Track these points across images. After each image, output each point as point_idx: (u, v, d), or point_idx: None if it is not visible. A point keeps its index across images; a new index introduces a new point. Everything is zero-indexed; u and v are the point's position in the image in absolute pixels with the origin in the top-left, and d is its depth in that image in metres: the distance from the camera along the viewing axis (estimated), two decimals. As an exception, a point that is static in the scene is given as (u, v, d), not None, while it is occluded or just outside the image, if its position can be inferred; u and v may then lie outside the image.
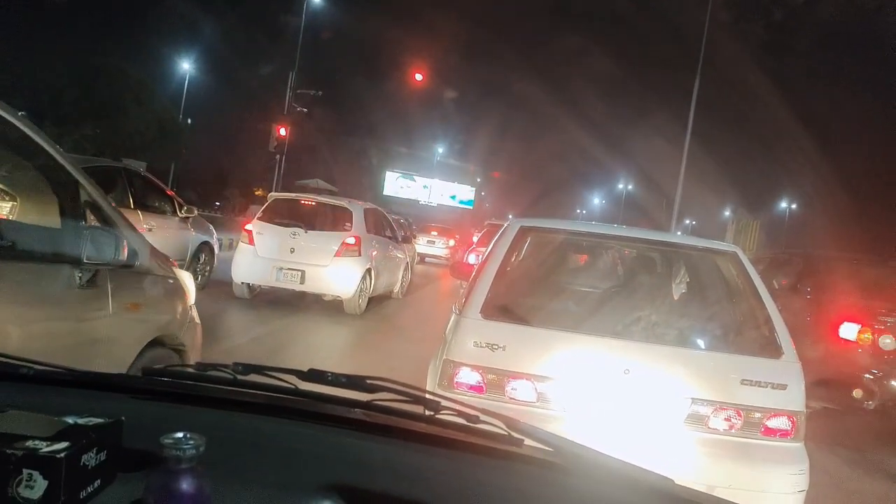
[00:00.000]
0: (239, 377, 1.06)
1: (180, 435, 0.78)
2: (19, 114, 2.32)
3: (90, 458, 0.83)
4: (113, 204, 2.79)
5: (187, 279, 3.34)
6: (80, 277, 2.45)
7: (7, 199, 2.83)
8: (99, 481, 0.85)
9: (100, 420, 0.88)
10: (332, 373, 1.01)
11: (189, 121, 28.49)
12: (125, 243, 2.53)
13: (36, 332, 2.30)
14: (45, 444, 0.79)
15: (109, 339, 2.65)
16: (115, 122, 22.03)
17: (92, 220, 2.61)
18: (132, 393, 1.07)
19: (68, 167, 2.54)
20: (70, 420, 0.87)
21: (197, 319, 3.37)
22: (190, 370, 1.08)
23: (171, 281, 3.14)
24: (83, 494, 0.81)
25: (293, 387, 1.07)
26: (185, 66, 31.20)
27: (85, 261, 2.37)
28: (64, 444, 0.80)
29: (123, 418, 0.90)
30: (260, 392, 1.07)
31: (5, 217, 2.72)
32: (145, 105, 23.24)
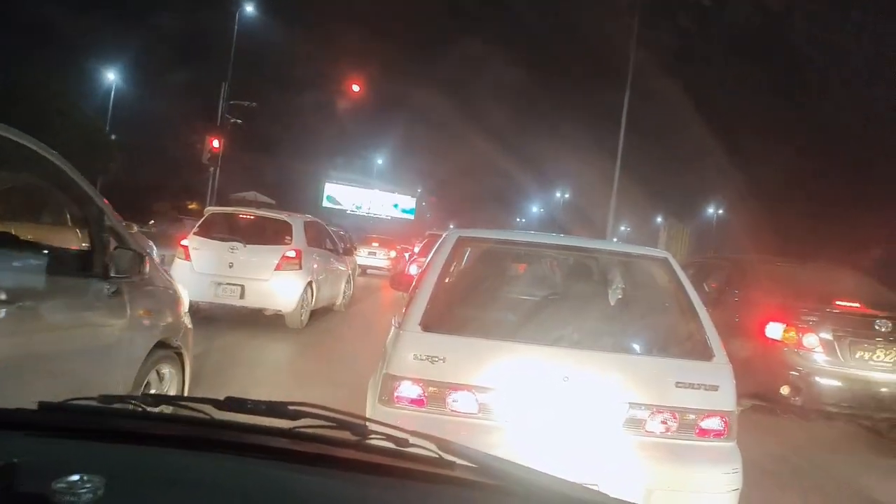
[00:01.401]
0: (148, 409, 0.99)
1: (75, 478, 0.71)
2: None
3: (-27, 508, 0.74)
4: (124, 226, 3.34)
5: (182, 291, 3.85)
6: (108, 289, 3.01)
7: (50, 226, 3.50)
8: (-15, 533, 0.76)
9: None
10: (252, 400, 0.95)
11: (113, 136, 27.36)
12: (143, 262, 3.17)
13: (76, 333, 2.85)
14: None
15: (129, 340, 3.15)
16: (37, 136, 20.85)
17: (112, 241, 3.11)
18: (27, 430, 0.97)
19: (95, 198, 3.11)
20: None
21: (189, 325, 3.86)
22: (93, 403, 1.00)
23: (170, 292, 3.69)
24: (-36, 550, 0.73)
25: (209, 417, 1.00)
26: (111, 76, 30.04)
27: (112, 276, 2.98)
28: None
29: (15, 460, 0.81)
30: (171, 423, 0.99)
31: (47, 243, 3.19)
32: (69, 117, 22.20)
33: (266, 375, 5.82)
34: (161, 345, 3.44)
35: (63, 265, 2.90)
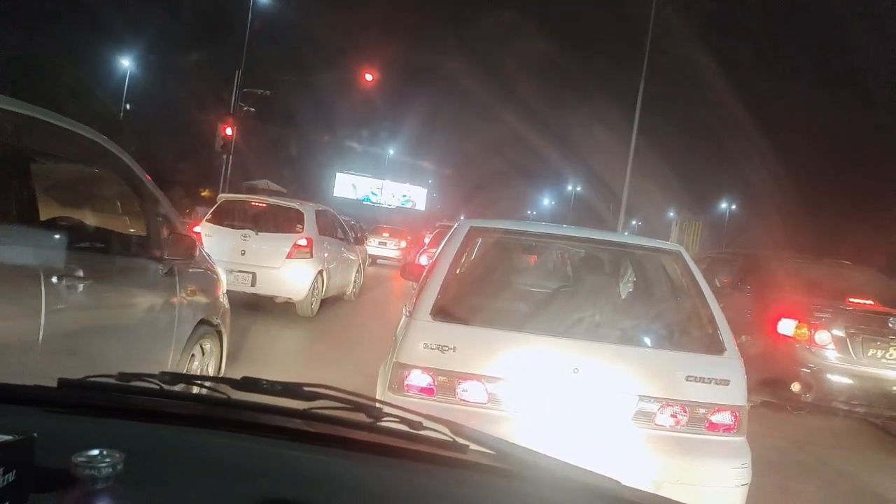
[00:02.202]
0: (165, 387, 1.00)
1: (95, 452, 0.72)
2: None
3: (-4, 479, 0.76)
4: (176, 214, 3.72)
5: (222, 273, 4.23)
6: (162, 270, 3.39)
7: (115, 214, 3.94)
8: (7, 503, 0.78)
9: (8, 437, 0.81)
10: (268, 380, 0.96)
11: (128, 109, 27.40)
12: (194, 246, 3.55)
13: (136, 308, 3.22)
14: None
15: (178, 316, 3.51)
16: (50, 121, 20.92)
17: (165, 227, 3.50)
18: (46, 406, 0.99)
19: (152, 189, 3.48)
20: None
21: (227, 306, 4.22)
22: (111, 381, 1.01)
23: (212, 274, 4.07)
24: (-13, 519, 0.74)
25: (225, 396, 1.01)
26: (126, 63, 30.15)
27: (166, 258, 3.37)
28: (-37, 466, 0.73)
29: (35, 434, 0.83)
30: (189, 402, 1.00)
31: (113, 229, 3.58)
32: (83, 102, 22.32)
33: (277, 363, 5.86)
34: (204, 322, 3.82)
35: (125, 248, 3.38)
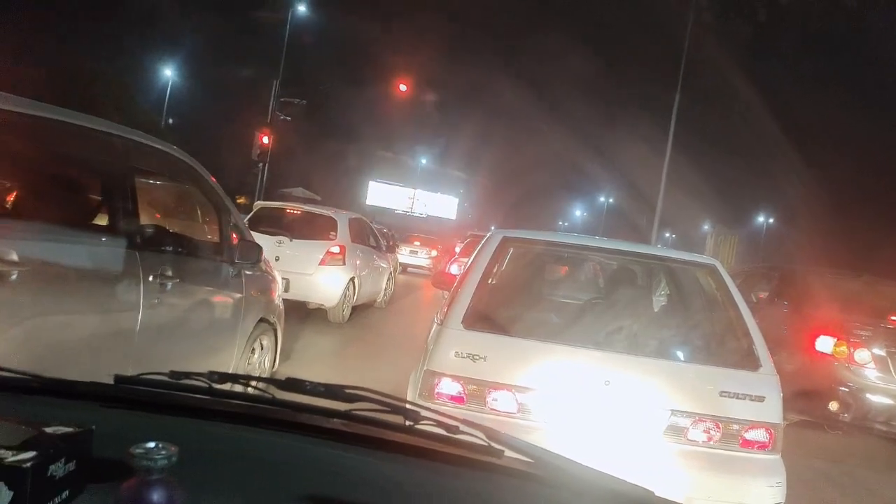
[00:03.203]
0: (214, 386, 1.04)
1: (151, 444, 0.76)
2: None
3: (58, 469, 0.80)
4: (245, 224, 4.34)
5: (279, 277, 4.69)
6: (232, 272, 3.83)
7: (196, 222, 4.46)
8: (67, 492, 0.82)
9: (68, 429, 0.85)
10: (311, 382, 1.00)
11: (170, 123, 28.15)
12: (260, 252, 3.98)
13: (210, 305, 3.68)
14: (10, 453, 0.77)
15: (244, 313, 3.93)
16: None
17: (235, 235, 3.96)
18: (102, 401, 1.04)
19: (226, 201, 3.97)
20: (37, 429, 0.84)
21: (282, 307, 4.65)
22: (163, 378, 1.06)
23: (271, 278, 4.51)
24: (50, 505, 0.79)
25: (270, 396, 1.05)
26: (168, 72, 30.95)
27: (236, 261, 3.81)
28: (30, 454, 0.77)
29: (93, 427, 0.87)
30: (236, 401, 1.05)
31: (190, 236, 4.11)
32: (126, 113, 22.97)
33: (306, 368, 5.93)
34: (263, 320, 4.22)
35: (204, 252, 3.87)
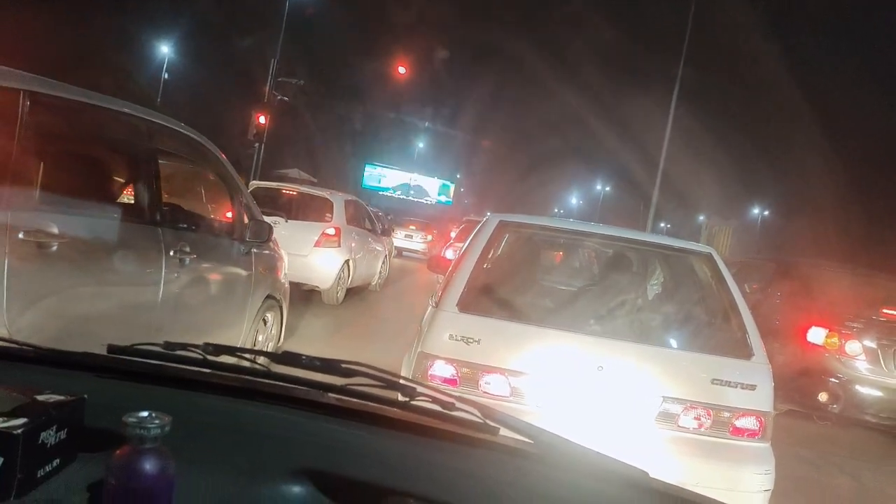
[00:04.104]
0: (209, 357, 1.03)
1: (145, 414, 0.75)
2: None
3: (49, 436, 0.79)
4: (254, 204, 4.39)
5: (285, 257, 4.88)
6: (243, 250, 4.04)
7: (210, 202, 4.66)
8: (58, 460, 0.81)
9: (61, 397, 0.85)
10: (307, 355, 0.99)
11: (166, 101, 27.90)
12: (270, 231, 4.18)
13: (223, 279, 3.87)
14: (1, 419, 0.76)
15: (253, 289, 4.12)
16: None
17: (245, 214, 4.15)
18: (96, 371, 1.03)
19: (237, 181, 4.21)
20: (29, 397, 0.83)
21: (287, 285, 4.83)
22: (157, 349, 1.05)
23: (278, 257, 4.70)
24: (41, 473, 0.78)
25: (266, 369, 1.04)
26: (164, 49, 30.59)
27: (247, 240, 4.02)
28: (22, 421, 0.76)
29: (86, 396, 0.87)
30: (230, 374, 1.04)
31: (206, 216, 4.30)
32: (123, 89, 22.73)
33: (299, 349, 5.93)
34: (270, 297, 4.40)
35: (218, 230, 4.04)
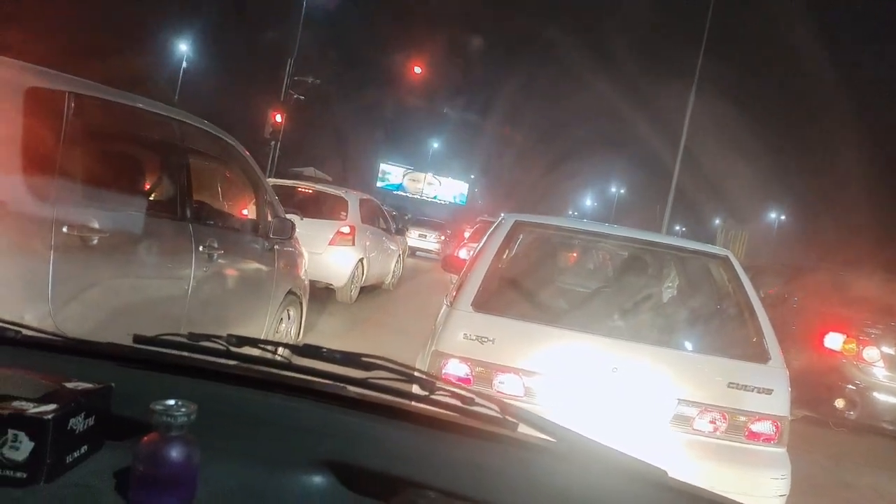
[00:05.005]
0: (232, 349, 1.05)
1: (171, 402, 0.77)
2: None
3: (78, 423, 0.81)
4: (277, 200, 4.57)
5: (305, 254, 5.00)
6: (266, 246, 4.14)
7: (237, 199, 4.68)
8: (86, 447, 0.83)
9: (89, 385, 0.86)
10: (328, 349, 1.00)
11: (183, 99, 28.18)
12: (293, 228, 4.33)
13: (249, 274, 4.00)
14: (32, 405, 0.78)
15: (275, 285, 4.24)
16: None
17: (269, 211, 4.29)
18: (122, 361, 1.05)
19: (262, 179, 4.34)
20: (58, 384, 0.85)
21: (307, 281, 4.98)
22: (182, 340, 1.07)
23: (299, 254, 4.82)
24: (69, 458, 0.80)
25: (287, 361, 1.05)
26: (183, 47, 30.83)
27: (271, 236, 4.12)
28: (52, 407, 0.78)
29: (113, 384, 0.88)
30: (253, 365, 1.05)
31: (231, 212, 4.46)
32: (141, 87, 22.93)
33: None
34: (291, 292, 4.51)
35: (243, 227, 4.16)
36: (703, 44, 17.89)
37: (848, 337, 5.32)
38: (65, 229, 2.45)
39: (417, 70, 19.43)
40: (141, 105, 3.10)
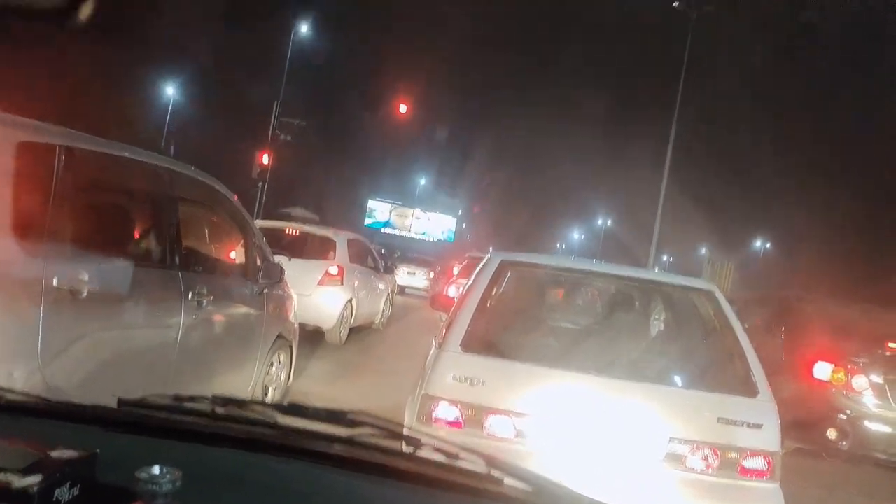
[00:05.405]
0: (217, 410, 1.05)
1: (156, 469, 0.77)
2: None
3: (63, 493, 0.80)
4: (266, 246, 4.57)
5: (294, 297, 4.98)
6: (256, 290, 4.14)
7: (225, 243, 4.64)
8: (71, 516, 0.82)
9: (73, 453, 0.86)
10: (313, 407, 1.01)
11: (171, 150, 28.29)
12: (282, 273, 4.42)
13: (238, 319, 3.97)
14: (17, 477, 0.77)
15: (265, 329, 4.22)
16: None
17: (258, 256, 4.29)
18: (106, 424, 1.05)
19: (250, 223, 4.35)
20: (42, 452, 0.85)
21: (296, 325, 4.95)
22: (167, 402, 1.07)
23: (289, 298, 4.83)
24: (54, 530, 0.79)
25: (273, 421, 1.05)
26: (170, 90, 31.09)
27: (260, 281, 4.15)
28: (37, 478, 0.78)
29: (98, 451, 0.88)
30: (239, 426, 1.05)
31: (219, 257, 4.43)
32: (127, 130, 23.04)
33: (303, 391, 5.89)
34: (280, 336, 4.50)
35: (232, 272, 4.19)
36: (681, 77, 18.32)
37: (836, 366, 5.35)
38: (55, 283, 2.46)
39: (403, 108, 19.71)
40: (130, 155, 3.13)
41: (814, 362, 5.50)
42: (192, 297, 3.32)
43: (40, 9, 1.02)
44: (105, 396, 1.17)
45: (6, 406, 1.08)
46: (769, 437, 2.65)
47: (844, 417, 5.20)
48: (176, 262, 3.31)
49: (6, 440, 0.86)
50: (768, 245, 43.00)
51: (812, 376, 5.46)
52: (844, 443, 5.17)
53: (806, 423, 5.23)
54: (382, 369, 7.65)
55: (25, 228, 2.41)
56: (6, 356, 2.32)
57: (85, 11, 0.97)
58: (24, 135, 2.50)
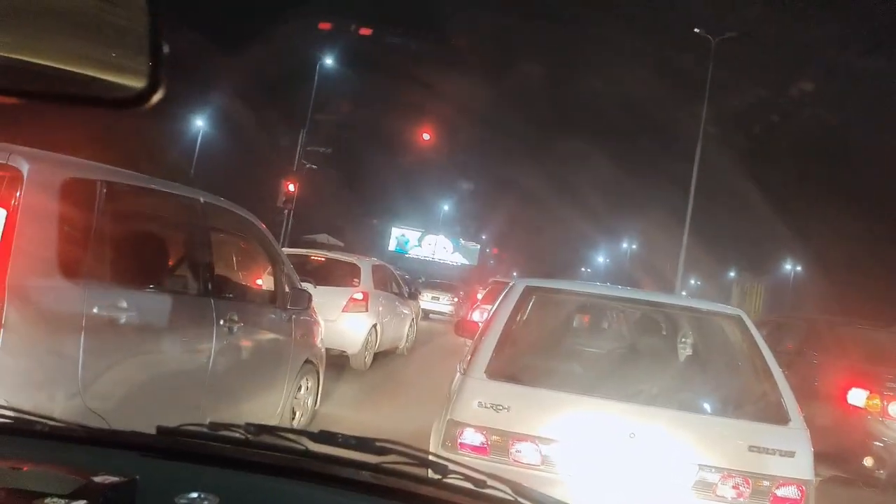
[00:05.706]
0: (251, 437, 1.08)
1: (195, 495, 0.80)
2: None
3: (106, 517, 0.84)
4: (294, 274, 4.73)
5: (322, 323, 5.16)
6: (284, 317, 4.30)
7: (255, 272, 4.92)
8: (112, 540, 0.85)
9: (115, 478, 0.89)
10: (343, 434, 1.03)
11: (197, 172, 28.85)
12: (310, 300, 4.53)
13: (267, 345, 4.12)
14: (64, 502, 0.81)
15: (293, 355, 4.38)
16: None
17: (287, 283, 4.42)
18: (145, 451, 1.08)
19: (278, 252, 4.55)
20: (86, 478, 0.88)
21: (323, 350, 5.12)
22: (203, 429, 1.10)
23: (316, 324, 4.99)
24: (97, 554, 0.82)
25: (304, 448, 1.08)
26: (199, 122, 31.79)
27: (288, 307, 4.31)
28: (82, 503, 0.81)
29: (138, 477, 0.91)
30: (271, 453, 1.08)
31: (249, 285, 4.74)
32: (157, 163, 23.57)
33: (329, 417, 5.90)
34: (308, 361, 4.64)
35: (262, 299, 4.38)
36: (705, 97, 18.27)
37: (871, 392, 5.21)
38: (95, 310, 2.59)
39: (426, 137, 19.93)
40: (165, 188, 3.32)
41: (848, 388, 5.36)
42: (224, 322, 3.44)
43: (113, 98, 1.08)
44: (140, 419, 1.21)
45: (50, 434, 1.12)
46: (802, 465, 2.59)
47: (881, 445, 5.05)
48: (208, 290, 3.45)
49: (51, 466, 0.90)
50: (798, 268, 42.20)
51: (846, 402, 5.32)
52: (882, 471, 5.01)
53: (841, 451, 5.09)
54: (407, 394, 7.64)
55: (68, 258, 2.55)
56: (48, 381, 2.44)
57: (157, 97, 1.03)
58: (69, 172, 2.68)
